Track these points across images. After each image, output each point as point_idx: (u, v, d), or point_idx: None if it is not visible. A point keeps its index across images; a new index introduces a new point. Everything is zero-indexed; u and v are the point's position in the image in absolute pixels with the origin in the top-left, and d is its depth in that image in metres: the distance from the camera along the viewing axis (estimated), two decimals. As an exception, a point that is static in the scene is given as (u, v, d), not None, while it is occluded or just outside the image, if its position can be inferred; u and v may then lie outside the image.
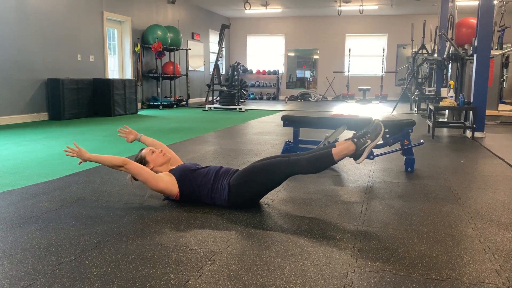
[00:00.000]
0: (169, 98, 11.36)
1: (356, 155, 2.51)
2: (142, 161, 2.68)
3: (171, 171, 2.62)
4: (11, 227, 2.23)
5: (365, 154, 2.50)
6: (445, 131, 6.49)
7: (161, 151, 2.74)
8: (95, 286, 1.60)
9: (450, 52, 7.59)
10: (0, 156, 4.17)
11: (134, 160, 2.67)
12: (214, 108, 10.49)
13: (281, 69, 16.27)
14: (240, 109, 10.16)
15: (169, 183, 2.54)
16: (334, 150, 2.47)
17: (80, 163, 2.55)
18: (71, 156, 2.50)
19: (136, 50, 10.29)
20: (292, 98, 15.24)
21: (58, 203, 2.64)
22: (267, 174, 2.48)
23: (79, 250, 1.93)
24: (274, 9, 14.08)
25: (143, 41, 10.56)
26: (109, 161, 2.47)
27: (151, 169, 2.63)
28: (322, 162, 2.49)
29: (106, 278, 1.66)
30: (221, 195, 2.51)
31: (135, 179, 2.67)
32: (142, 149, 2.77)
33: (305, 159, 2.48)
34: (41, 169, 3.61)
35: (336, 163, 2.53)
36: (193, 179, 2.56)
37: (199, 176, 2.57)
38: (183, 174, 2.57)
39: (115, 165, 2.47)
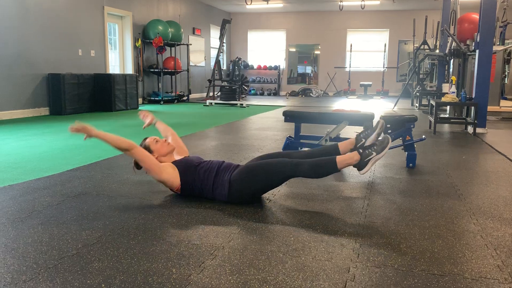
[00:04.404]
0: (170, 94, 11.35)
1: (360, 166, 2.43)
2: (147, 150, 2.64)
3: (174, 163, 2.62)
4: (13, 221, 2.23)
5: (369, 166, 2.42)
6: (446, 127, 6.48)
7: (165, 140, 2.72)
8: (97, 280, 1.60)
9: (452, 47, 7.57)
10: (1, 151, 4.17)
11: None
12: (215, 103, 10.48)
13: (282, 65, 16.23)
14: (241, 104, 10.15)
15: (171, 175, 2.54)
16: (338, 158, 2.41)
17: (85, 138, 2.45)
18: (76, 131, 2.40)
19: (137, 45, 10.27)
20: (293, 94, 15.22)
21: (59, 198, 2.64)
22: (268, 174, 2.47)
23: (80, 244, 1.93)
24: (276, 4, 14.03)
25: (144, 36, 10.54)
26: (116, 142, 2.42)
27: (155, 158, 2.62)
28: (325, 169, 2.43)
29: (108, 273, 1.66)
30: (222, 190, 2.51)
31: (137, 167, 2.65)
32: (146, 138, 2.73)
33: (308, 163, 2.43)
34: (42, 164, 3.61)
35: (339, 171, 2.49)
36: (195, 173, 2.56)
37: (201, 170, 2.57)
38: (186, 168, 2.57)
39: (122, 147, 2.43)
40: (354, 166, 2.46)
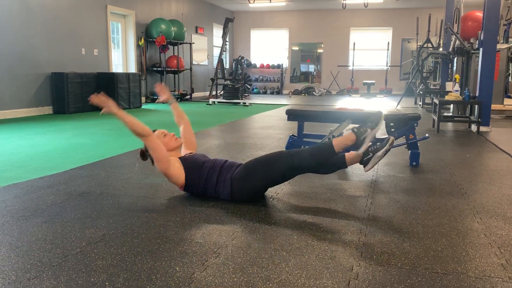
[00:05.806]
0: (173, 92, 11.35)
1: (358, 145, 2.52)
2: None
3: (181, 159, 2.60)
4: (17, 219, 2.24)
5: (372, 163, 2.54)
6: (450, 125, 6.46)
7: (173, 134, 2.69)
8: (101, 278, 1.61)
9: (456, 46, 7.54)
10: (5, 150, 4.19)
11: None
12: (218, 102, 10.48)
13: (285, 63, 16.21)
14: (244, 103, 10.14)
15: (178, 171, 2.52)
16: (334, 141, 2.49)
17: (103, 112, 2.38)
18: (97, 103, 2.34)
19: (140, 44, 10.28)
20: (296, 92, 15.20)
21: (63, 196, 2.65)
22: (268, 167, 2.47)
23: (84, 242, 1.94)
24: (278, 3, 14.00)
25: (147, 35, 10.54)
26: (133, 125, 2.36)
27: None
28: (323, 153, 2.48)
29: (111, 271, 1.67)
30: (224, 190, 2.51)
31: (143, 158, 2.61)
32: (154, 130, 2.68)
33: (307, 150, 2.50)
34: (46, 163, 3.62)
35: (337, 154, 2.52)
36: (199, 172, 2.55)
37: (205, 169, 2.56)
38: (191, 166, 2.56)
39: (137, 132, 2.38)
40: (360, 163, 2.58)
